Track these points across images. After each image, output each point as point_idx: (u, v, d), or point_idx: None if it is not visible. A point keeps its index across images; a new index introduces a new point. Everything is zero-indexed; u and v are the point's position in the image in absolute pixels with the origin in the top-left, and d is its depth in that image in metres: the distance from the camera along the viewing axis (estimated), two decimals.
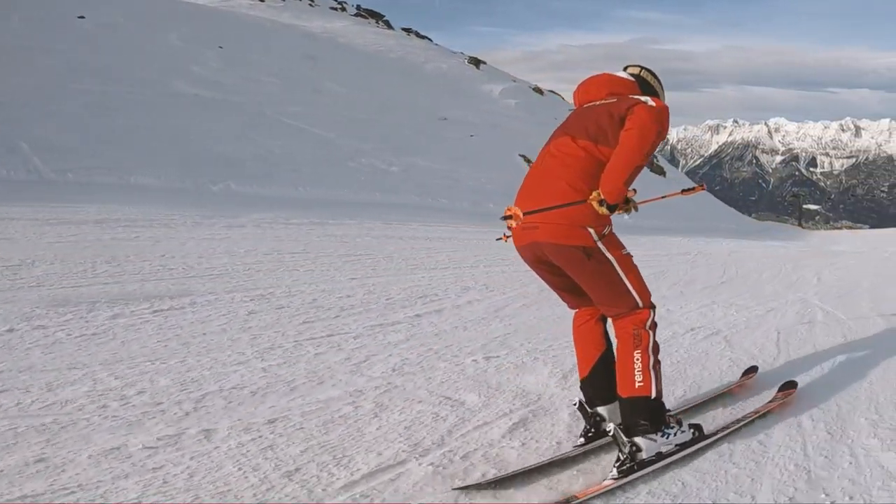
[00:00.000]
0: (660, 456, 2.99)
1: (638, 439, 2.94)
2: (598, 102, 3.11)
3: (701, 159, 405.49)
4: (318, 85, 25.68)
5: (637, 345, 2.99)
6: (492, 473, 2.89)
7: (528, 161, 28.67)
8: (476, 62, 43.84)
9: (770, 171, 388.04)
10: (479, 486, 2.77)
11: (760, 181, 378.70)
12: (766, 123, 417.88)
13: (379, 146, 20.63)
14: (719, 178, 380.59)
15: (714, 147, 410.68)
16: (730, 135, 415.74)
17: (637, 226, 9.90)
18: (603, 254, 2.94)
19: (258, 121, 19.25)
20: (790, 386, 3.95)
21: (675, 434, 3.08)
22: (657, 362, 3.03)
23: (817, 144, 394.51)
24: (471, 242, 10.98)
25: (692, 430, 3.21)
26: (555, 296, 3.42)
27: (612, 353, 3.18)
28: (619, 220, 3.13)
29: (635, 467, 2.90)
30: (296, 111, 21.27)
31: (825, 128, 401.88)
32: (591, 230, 2.90)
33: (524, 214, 2.96)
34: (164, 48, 23.44)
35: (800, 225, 69.41)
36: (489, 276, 7.85)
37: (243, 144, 17.01)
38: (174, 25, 26.25)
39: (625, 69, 3.38)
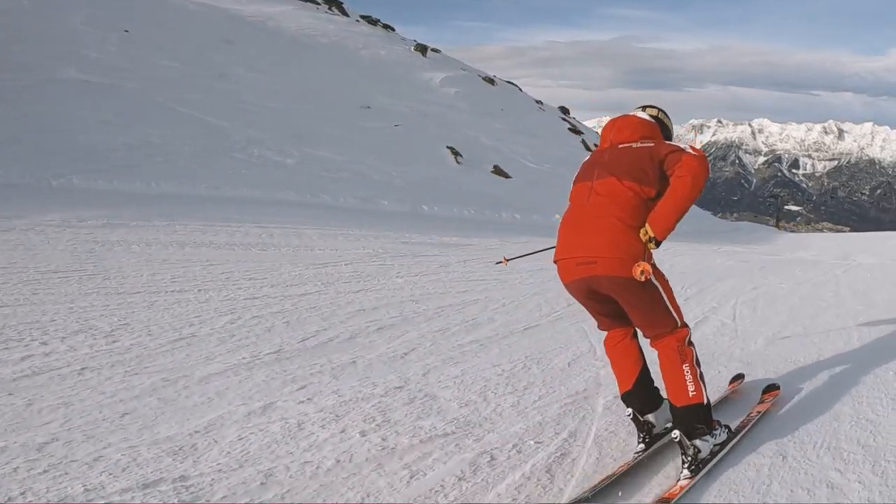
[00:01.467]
0: (713, 454, 3.50)
1: (697, 441, 3.42)
2: (635, 145, 3.61)
3: None
4: (227, 70, 24.87)
5: (684, 359, 3.53)
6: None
7: (456, 153, 27.66)
8: (423, 49, 42.13)
9: (753, 171, 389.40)
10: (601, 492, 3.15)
11: (743, 181, 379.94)
12: (749, 124, 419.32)
13: (278, 136, 19.88)
14: None
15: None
16: (713, 134, 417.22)
17: None
18: (653, 282, 3.47)
19: (145, 108, 18.30)
20: (774, 388, 4.56)
21: (719, 434, 3.60)
22: (702, 373, 3.59)
23: (800, 146, 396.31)
24: (334, 257, 9.69)
25: (726, 430, 3.71)
26: None
27: (647, 367, 3.76)
28: None
29: (700, 466, 3.38)
30: (193, 98, 20.43)
31: (808, 130, 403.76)
32: (641, 261, 3.35)
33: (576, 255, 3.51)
34: (64, 32, 22.00)
35: (777, 225, 68.63)
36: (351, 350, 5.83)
37: (115, 133, 15.96)
38: (81, 8, 24.77)
39: (643, 109, 3.89)
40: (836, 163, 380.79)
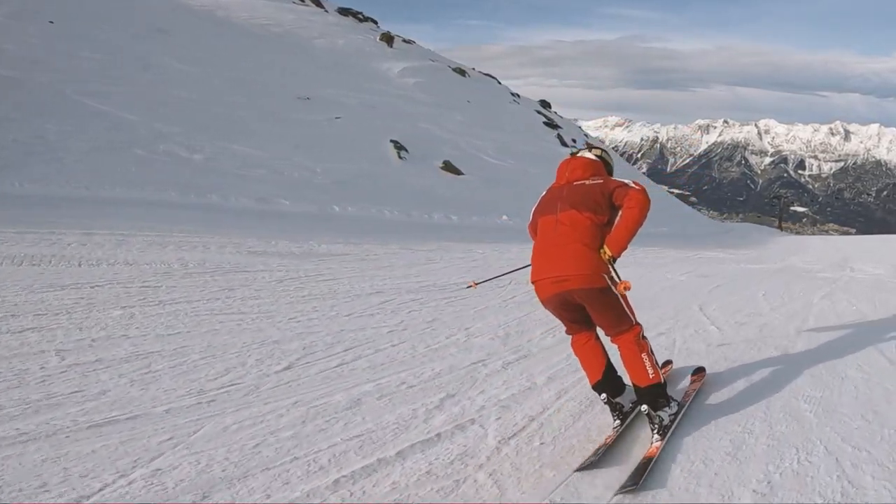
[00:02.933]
0: (671, 422, 4.25)
1: (660, 412, 4.19)
2: (587, 182, 4.35)
3: (690, 158, 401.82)
4: (152, 61, 23.41)
5: (642, 350, 4.28)
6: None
7: (400, 148, 24.75)
8: (389, 39, 38.73)
9: (759, 172, 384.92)
10: (584, 467, 3.84)
11: (749, 182, 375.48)
12: (755, 125, 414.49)
13: (192, 130, 18.75)
14: (708, 177, 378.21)
15: (704, 146, 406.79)
16: (720, 135, 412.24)
17: None
18: (613, 291, 4.17)
19: (50, 102, 17.18)
20: (700, 370, 5.46)
21: (673, 406, 4.34)
22: (657, 359, 4.36)
23: (806, 147, 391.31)
24: (104, 275, 7.99)
25: (676, 403, 4.43)
26: None
27: (611, 360, 4.47)
28: None
29: (665, 431, 4.16)
30: (108, 91, 19.17)
31: (815, 131, 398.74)
32: (606, 276, 4.14)
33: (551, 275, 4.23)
34: None
35: (780, 227, 65.18)
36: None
37: (8, 130, 15.02)
38: (9, 1, 23.32)
39: (590, 150, 4.74)
40: (842, 164, 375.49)
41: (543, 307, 4.45)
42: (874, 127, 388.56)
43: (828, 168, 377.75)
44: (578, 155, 4.65)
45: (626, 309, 4.26)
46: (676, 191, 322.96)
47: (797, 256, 20.62)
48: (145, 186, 14.50)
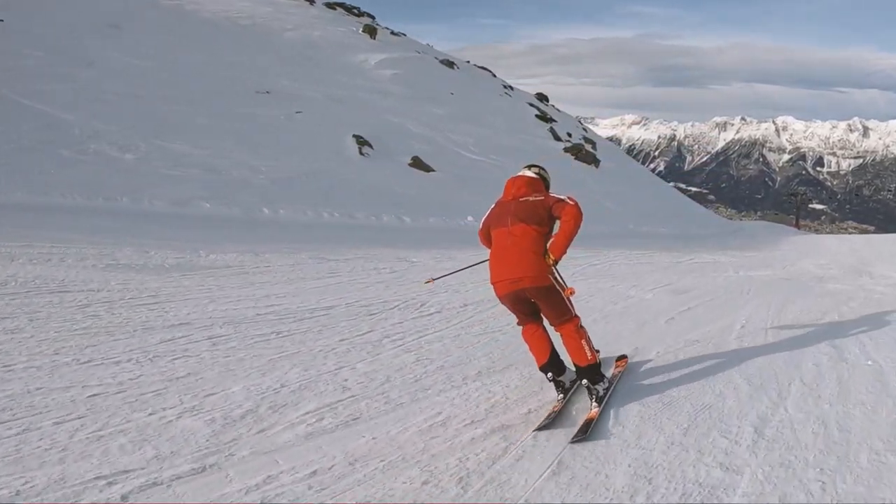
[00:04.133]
0: (605, 393, 5.07)
1: (597, 386, 5.01)
2: (531, 198, 5.07)
3: (708, 156, 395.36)
4: (100, 57, 21.98)
5: (581, 336, 5.03)
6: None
7: (363, 143, 22.23)
8: (371, 31, 36.07)
9: (777, 169, 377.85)
10: (541, 427, 4.65)
11: (767, 179, 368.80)
12: (773, 121, 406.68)
13: (130, 128, 17.51)
14: (726, 175, 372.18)
15: (721, 144, 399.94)
16: (737, 132, 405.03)
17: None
18: (556, 288, 4.96)
19: None
20: (623, 357, 6.22)
21: (605, 382, 5.14)
22: (592, 344, 5.10)
23: (825, 144, 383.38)
24: None
25: (607, 380, 5.23)
26: None
27: (555, 346, 5.19)
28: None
29: (601, 400, 4.97)
30: (46, 89, 17.88)
31: (833, 127, 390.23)
32: (551, 276, 4.93)
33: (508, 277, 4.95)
34: None
35: (796, 225, 62.18)
36: None
37: None
38: None
39: (530, 168, 5.38)
40: (861, 161, 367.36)
41: (501, 303, 5.19)
42: (893, 123, 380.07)
43: (846, 165, 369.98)
44: (521, 174, 5.35)
45: (568, 303, 5.07)
46: (694, 189, 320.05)
47: (809, 259, 18.55)
48: (56, 189, 13.31)
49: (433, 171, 23.18)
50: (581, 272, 13.11)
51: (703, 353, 6.71)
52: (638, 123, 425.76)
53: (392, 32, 40.46)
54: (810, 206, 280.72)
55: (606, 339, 6.99)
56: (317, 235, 14.31)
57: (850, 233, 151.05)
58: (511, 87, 40.71)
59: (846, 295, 11.19)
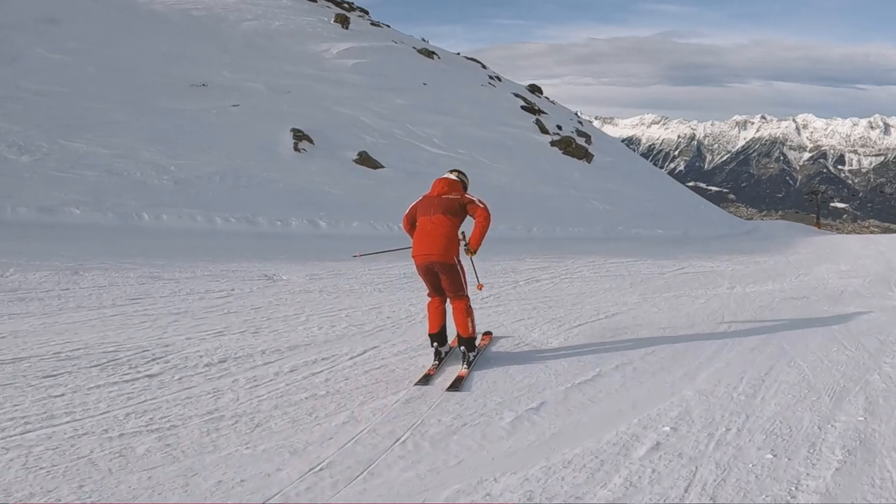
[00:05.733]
0: (473, 359, 6.07)
1: (470, 354, 6.02)
2: (451, 196, 6.07)
3: (728, 155, 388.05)
4: (24, 53, 20.26)
5: (468, 314, 6.04)
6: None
7: (302, 138, 18.66)
8: (343, 20, 32.48)
9: (797, 167, 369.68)
10: (419, 382, 5.60)
11: (788, 178, 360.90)
12: (793, 119, 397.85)
13: (33, 127, 15.95)
14: (746, 174, 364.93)
15: (741, 143, 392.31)
16: (757, 131, 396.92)
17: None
18: (458, 268, 6.00)
19: None
20: (488, 333, 7.11)
21: (476, 351, 6.17)
22: (475, 322, 6.14)
23: (846, 141, 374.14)
24: None
25: (477, 349, 6.24)
26: None
27: (446, 323, 6.16)
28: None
29: (469, 364, 5.97)
30: None
31: (854, 125, 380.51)
32: (455, 257, 5.95)
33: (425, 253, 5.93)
34: None
35: (817, 224, 58.00)
36: None
37: None
38: None
39: (452, 172, 6.41)
40: (882, 158, 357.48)
41: (417, 273, 6.14)
42: None
43: (868, 163, 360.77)
44: (445, 176, 6.34)
45: (464, 283, 6.08)
46: (714, 188, 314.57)
47: (828, 265, 16.03)
48: None
49: (382, 167, 19.50)
50: (504, 292, 9.78)
51: None
52: (657, 123, 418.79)
53: (372, 23, 36.92)
54: (831, 204, 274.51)
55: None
56: (189, 245, 11.98)
57: (871, 232, 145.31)
58: (499, 78, 36.98)
59: (877, 333, 7.49)
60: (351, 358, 6.17)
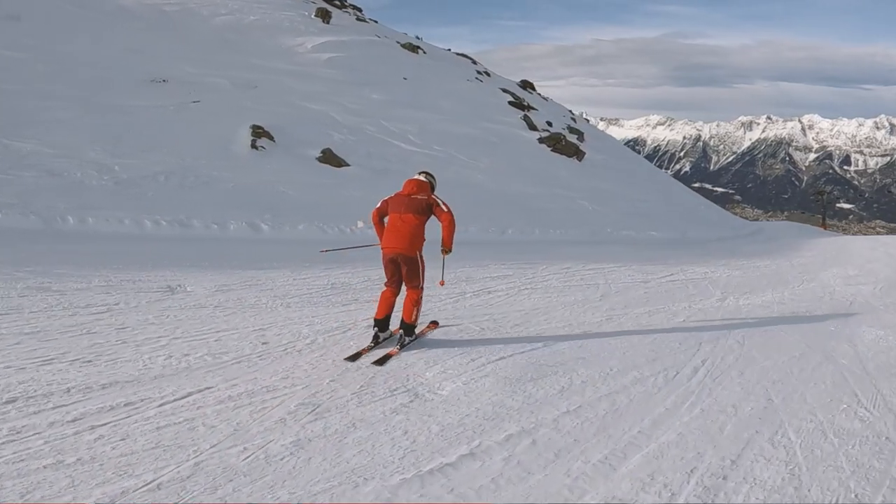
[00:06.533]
0: (408, 343, 6.47)
1: (406, 338, 6.47)
2: (419, 196, 6.53)
3: (733, 156, 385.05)
4: None
5: (416, 304, 6.50)
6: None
7: (261, 135, 18.39)
8: (324, 14, 30.86)
9: (803, 168, 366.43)
10: (350, 358, 6.06)
11: (793, 179, 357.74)
12: (799, 120, 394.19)
13: None
14: (752, 175, 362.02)
15: (747, 144, 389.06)
16: (763, 131, 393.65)
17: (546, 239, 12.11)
18: (418, 262, 6.46)
19: None
20: (435, 322, 7.41)
21: (413, 337, 6.58)
22: (419, 312, 6.61)
23: (851, 142, 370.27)
24: None
25: (415, 335, 6.67)
26: None
27: (391, 313, 6.60)
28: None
29: (403, 346, 6.39)
30: None
31: (859, 125, 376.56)
32: (418, 252, 6.45)
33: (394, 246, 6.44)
34: None
35: (823, 225, 56.37)
36: None
37: None
38: None
39: (421, 174, 6.88)
40: (888, 159, 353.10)
41: (383, 263, 6.57)
42: None
43: (874, 163, 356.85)
44: (415, 177, 6.78)
45: (421, 277, 6.51)
46: (720, 189, 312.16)
47: (835, 270, 14.72)
48: None
49: (347, 165, 17.82)
50: (438, 308, 8.44)
51: None
52: (663, 124, 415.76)
53: (358, 18, 35.30)
54: (837, 205, 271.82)
55: None
56: (105, 251, 10.54)
57: (878, 232, 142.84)
58: (487, 74, 35.21)
59: None
60: (161, 405, 4.62)
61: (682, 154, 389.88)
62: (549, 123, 29.52)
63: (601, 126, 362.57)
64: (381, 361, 5.91)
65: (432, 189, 6.78)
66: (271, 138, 17.88)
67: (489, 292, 9.49)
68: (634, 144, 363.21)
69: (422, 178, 6.78)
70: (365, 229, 14.13)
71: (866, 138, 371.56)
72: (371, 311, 6.86)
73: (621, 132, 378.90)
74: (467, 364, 5.93)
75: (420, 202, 6.49)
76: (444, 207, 6.49)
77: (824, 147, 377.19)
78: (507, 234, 16.17)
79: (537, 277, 11.08)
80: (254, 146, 17.36)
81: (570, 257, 13.77)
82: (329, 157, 17.91)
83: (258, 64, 23.58)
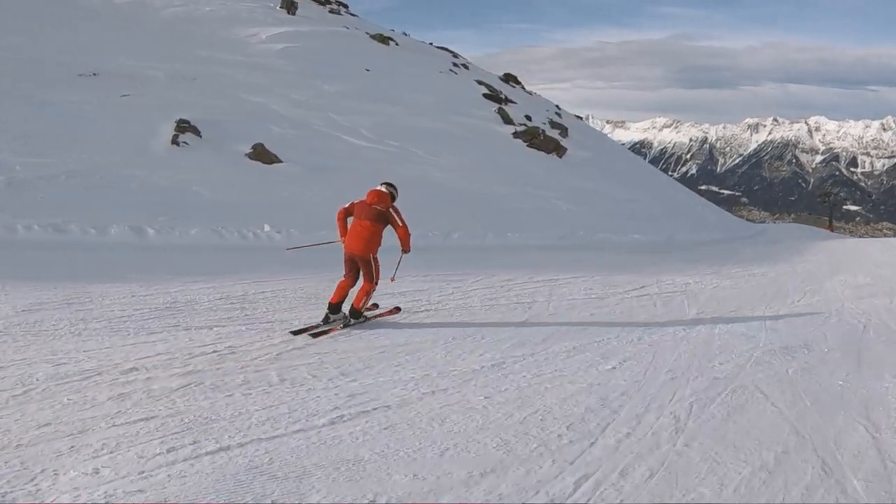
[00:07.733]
0: (352, 324, 7.09)
1: (351, 320, 7.15)
2: (378, 207, 7.23)
3: (740, 158, 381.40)
4: None
5: (367, 294, 7.23)
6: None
7: (186, 130, 16.24)
8: (290, 5, 28.87)
9: (810, 170, 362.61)
10: (295, 332, 6.74)
11: (800, 181, 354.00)
12: (806, 122, 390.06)
13: None
14: (759, 177, 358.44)
15: (753, 146, 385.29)
16: (769, 133, 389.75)
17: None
18: (372, 262, 7.25)
19: None
20: (398, 308, 7.97)
21: (361, 320, 7.23)
22: (367, 301, 7.31)
23: (858, 144, 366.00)
24: None
25: (364, 318, 7.34)
26: None
27: (344, 301, 7.25)
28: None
29: (345, 326, 7.04)
30: None
31: (866, 127, 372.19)
32: (371, 255, 7.23)
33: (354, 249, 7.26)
34: None
35: (829, 227, 54.15)
36: None
37: None
38: None
39: (383, 185, 7.46)
40: (895, 160, 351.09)
41: (344, 258, 7.37)
42: None
43: (881, 165, 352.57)
44: (378, 188, 7.40)
45: (374, 274, 7.26)
46: (727, 192, 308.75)
47: (842, 277, 13.31)
48: None
49: (280, 161, 15.60)
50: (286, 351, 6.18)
51: None
52: (669, 126, 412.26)
53: (331, 11, 33.15)
54: (844, 207, 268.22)
55: None
56: None
57: (885, 234, 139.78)
58: (465, 66, 32.98)
59: None
60: None
61: (688, 156, 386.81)
62: (528, 117, 27.16)
63: (607, 129, 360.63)
64: (322, 333, 6.79)
65: (393, 199, 7.44)
66: (198, 133, 15.76)
67: (370, 316, 7.35)
68: (641, 147, 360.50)
69: (383, 189, 7.46)
70: (272, 233, 11.91)
71: (873, 140, 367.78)
72: (196, 341, 6.30)
73: (628, 135, 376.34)
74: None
75: (379, 213, 7.27)
76: (399, 222, 7.28)
77: (831, 149, 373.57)
78: (450, 239, 13.87)
79: (457, 294, 8.85)
80: (175, 142, 15.21)
81: (518, 266, 11.49)
82: (261, 154, 15.73)
83: (204, 55, 21.51)
